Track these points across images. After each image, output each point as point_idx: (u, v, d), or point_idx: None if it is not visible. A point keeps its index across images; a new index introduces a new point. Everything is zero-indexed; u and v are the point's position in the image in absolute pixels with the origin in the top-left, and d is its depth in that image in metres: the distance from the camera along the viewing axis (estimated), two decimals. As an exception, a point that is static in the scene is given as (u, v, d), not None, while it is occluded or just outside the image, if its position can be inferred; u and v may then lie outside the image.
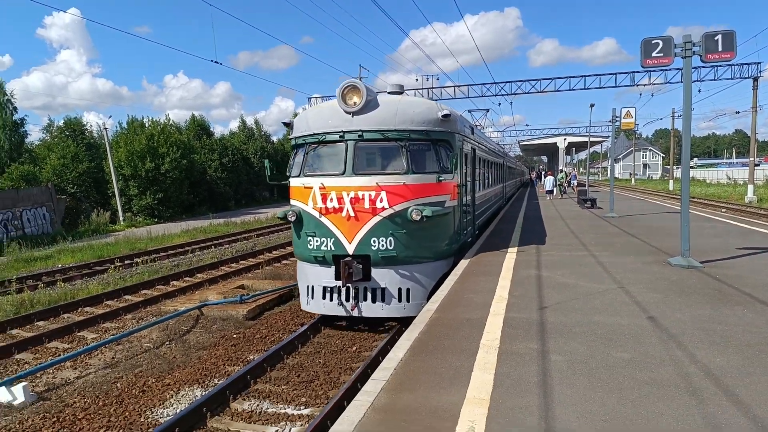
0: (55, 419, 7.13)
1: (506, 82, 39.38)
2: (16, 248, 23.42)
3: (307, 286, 10.16)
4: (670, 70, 35.91)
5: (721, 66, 35.64)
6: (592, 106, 42.88)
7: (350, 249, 9.42)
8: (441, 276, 9.95)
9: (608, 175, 66.70)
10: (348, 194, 9.28)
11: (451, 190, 10.20)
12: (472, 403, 4.47)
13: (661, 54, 9.69)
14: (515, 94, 39.54)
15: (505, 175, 30.01)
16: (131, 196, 39.67)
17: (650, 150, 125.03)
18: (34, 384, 8.36)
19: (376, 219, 9.26)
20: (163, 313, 12.42)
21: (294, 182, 10.23)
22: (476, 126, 19.69)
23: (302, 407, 7.18)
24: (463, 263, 10.82)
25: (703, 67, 34.92)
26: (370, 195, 9.21)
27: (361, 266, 9.27)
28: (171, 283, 16.18)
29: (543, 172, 56.50)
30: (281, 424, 6.76)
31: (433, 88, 39.90)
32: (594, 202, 25.71)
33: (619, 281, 8.80)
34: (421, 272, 9.64)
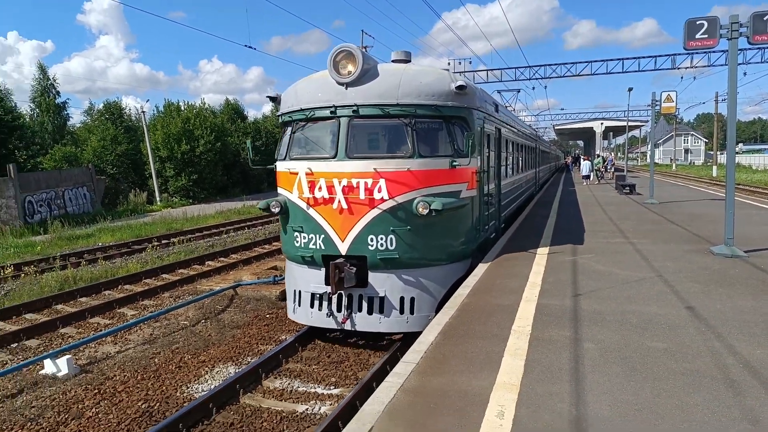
0: (96, 391, 7.41)
1: (541, 66, 38.53)
2: (58, 226, 24.28)
3: (294, 291, 8.75)
4: (714, 52, 34.56)
5: (769, 48, 34.09)
6: (630, 90, 41.74)
7: (343, 248, 7.95)
8: (455, 281, 8.47)
9: (648, 160, 65.03)
10: (340, 182, 7.80)
11: (469, 178, 8.60)
12: (502, 388, 4.46)
13: (706, 36, 9.29)
14: (550, 77, 38.64)
15: (539, 159, 28.26)
16: (167, 178, 40.56)
17: (692, 135, 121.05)
18: (77, 357, 8.69)
19: (374, 212, 7.76)
20: (198, 292, 12.73)
21: (279, 167, 8.77)
22: (506, 107, 19.13)
23: (332, 387, 7.28)
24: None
25: (750, 49, 33.51)
26: (366, 183, 7.71)
27: (355, 270, 7.80)
28: (206, 263, 16.54)
29: (579, 157, 55.38)
30: (311, 402, 6.88)
31: (465, 72, 39.33)
32: (633, 187, 25.10)
33: (657, 270, 8.59)
34: (430, 278, 8.14)
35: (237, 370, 7.89)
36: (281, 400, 6.97)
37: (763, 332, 5.62)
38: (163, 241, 20.87)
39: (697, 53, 34.83)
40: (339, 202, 7.84)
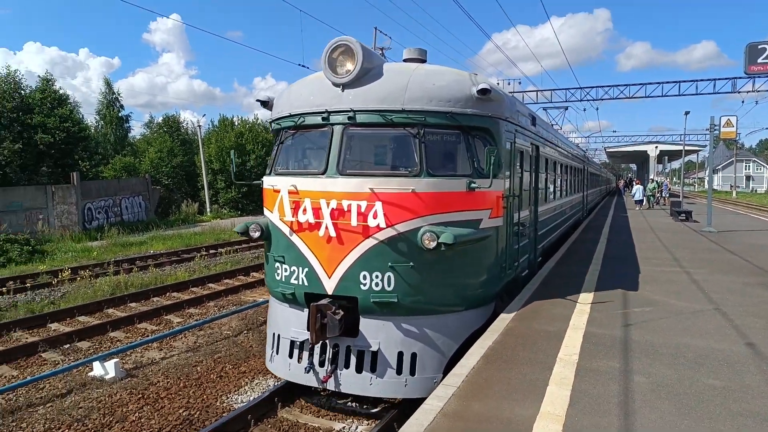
0: (140, 396, 7.57)
1: (592, 87, 37.79)
2: (114, 233, 25.27)
3: (273, 335, 7.30)
4: (780, 75, 33.06)
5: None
6: (687, 113, 40.30)
7: (329, 286, 6.49)
8: (472, 333, 6.91)
9: (705, 186, 62.52)
10: (328, 204, 6.38)
11: (492, 203, 7.06)
12: (546, 418, 4.29)
13: (770, 59, 8.90)
14: (602, 99, 37.80)
15: (587, 182, 26.41)
16: (218, 189, 41.73)
17: (754, 161, 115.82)
18: (124, 361, 8.92)
19: (369, 243, 6.30)
20: (242, 303, 12.92)
21: (265, 183, 7.46)
22: (551, 124, 18.26)
23: (370, 406, 7.20)
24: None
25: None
26: (359, 207, 6.26)
27: (342, 314, 6.34)
28: (251, 274, 16.81)
29: (631, 181, 53.81)
30: (348, 421, 6.81)
31: (514, 92, 39.03)
32: (689, 214, 24.12)
33: (715, 302, 8.16)
34: (438, 328, 6.59)
35: (276, 383, 7.91)
36: (318, 417, 6.94)
37: (834, 375, 5.23)
38: (211, 251, 21.39)
39: (760, 77, 33.48)
40: (326, 228, 6.41)
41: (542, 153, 10.94)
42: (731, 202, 58.18)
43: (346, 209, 6.34)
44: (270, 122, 7.79)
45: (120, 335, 10.64)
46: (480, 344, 6.14)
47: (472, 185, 6.57)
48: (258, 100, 7.87)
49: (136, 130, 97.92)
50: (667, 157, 61.42)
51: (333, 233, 6.37)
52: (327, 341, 6.55)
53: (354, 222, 6.30)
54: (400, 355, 6.43)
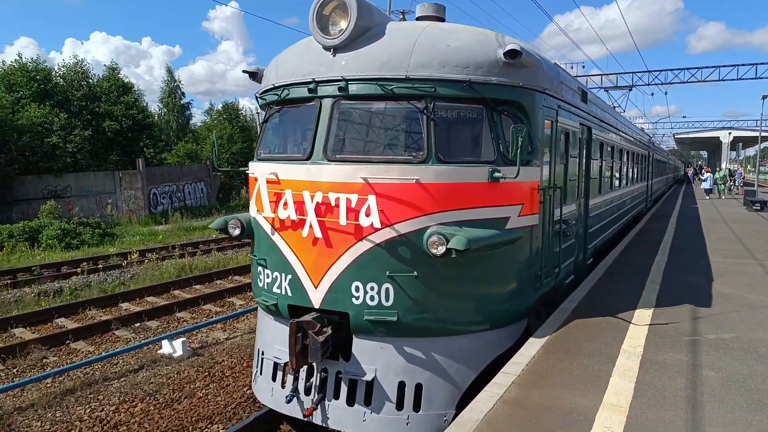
0: (206, 374, 7.93)
1: (661, 71, 36.10)
2: (178, 217, 26.37)
3: (258, 351, 6.24)
4: None
5: None
6: (764, 97, 38.02)
7: (315, 298, 5.36)
8: (495, 357, 5.66)
9: (781, 174, 58.89)
10: (312, 197, 5.22)
11: (524, 197, 5.75)
12: (608, 409, 4.21)
13: None
14: (671, 83, 36.09)
15: (651, 169, 24.04)
16: (276, 176, 42.61)
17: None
18: (190, 340, 9.34)
19: (362, 247, 5.14)
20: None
21: (250, 170, 6.15)
22: (613, 106, 16.23)
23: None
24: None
25: None
26: (349, 201, 5.08)
27: (327, 333, 5.22)
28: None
29: (701, 168, 51.33)
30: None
31: (577, 76, 37.79)
32: (764, 204, 22.78)
33: (790, 295, 7.73)
34: (449, 353, 5.37)
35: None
36: None
37: None
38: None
39: None
40: (310, 227, 5.25)
41: (596, 136, 9.52)
42: (811, 190, 54.47)
43: (333, 204, 5.15)
44: (256, 97, 6.55)
45: (186, 315, 11.13)
46: (539, 334, 6.05)
47: (496, 175, 5.27)
48: (245, 71, 6.63)
49: (197, 117, 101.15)
50: (741, 144, 58.15)
51: (318, 234, 5.21)
52: (314, 365, 5.46)
53: (343, 220, 5.09)
54: (402, 385, 5.25)
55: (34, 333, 10.00)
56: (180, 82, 53.42)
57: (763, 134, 48.59)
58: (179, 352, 8.65)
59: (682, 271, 9.40)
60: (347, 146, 5.48)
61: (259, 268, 5.91)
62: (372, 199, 4.97)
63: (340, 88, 5.33)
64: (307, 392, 5.50)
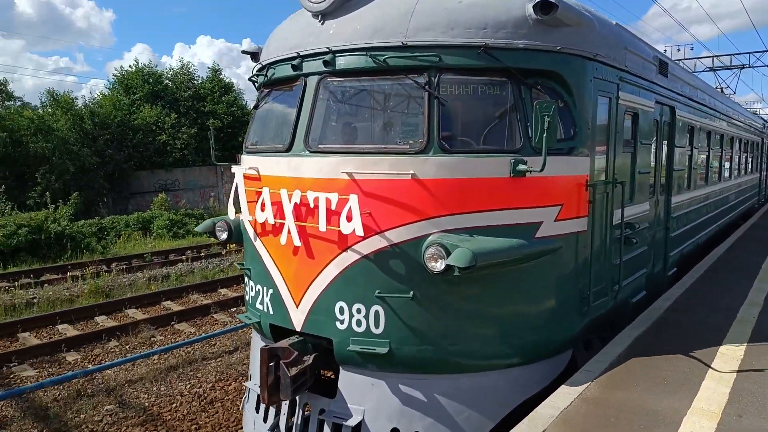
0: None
1: (783, 49, 32.75)
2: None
3: (249, 374, 5.77)
4: None
5: None
6: None
7: (297, 319, 4.52)
8: (525, 399, 4.62)
9: None
10: (290, 196, 4.37)
11: (566, 196, 4.61)
12: (698, 414, 3.97)
13: None
14: (796, 63, 32.69)
15: (765, 158, 21.21)
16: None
17: None
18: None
19: (347, 259, 4.24)
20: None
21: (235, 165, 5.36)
22: (719, 89, 14.37)
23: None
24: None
25: None
26: (329, 201, 4.17)
27: (306, 364, 4.39)
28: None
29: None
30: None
31: (684, 59, 35.11)
32: None
33: None
34: (461, 395, 4.37)
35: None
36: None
37: None
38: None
39: None
40: (288, 232, 4.40)
41: (682, 118, 7.91)
42: None
43: (312, 205, 4.25)
44: (250, 80, 5.77)
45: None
46: (626, 333, 5.77)
47: (520, 167, 4.13)
48: (244, 52, 5.87)
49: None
50: None
51: (297, 241, 4.34)
52: (292, 401, 4.61)
53: (323, 226, 4.18)
54: None
55: (144, 314, 10.95)
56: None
57: None
58: (270, 337, 9.11)
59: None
60: (331, 135, 4.66)
61: (246, 279, 5.21)
62: (354, 200, 4.04)
63: (325, 62, 4.42)
64: (290, 430, 4.67)
